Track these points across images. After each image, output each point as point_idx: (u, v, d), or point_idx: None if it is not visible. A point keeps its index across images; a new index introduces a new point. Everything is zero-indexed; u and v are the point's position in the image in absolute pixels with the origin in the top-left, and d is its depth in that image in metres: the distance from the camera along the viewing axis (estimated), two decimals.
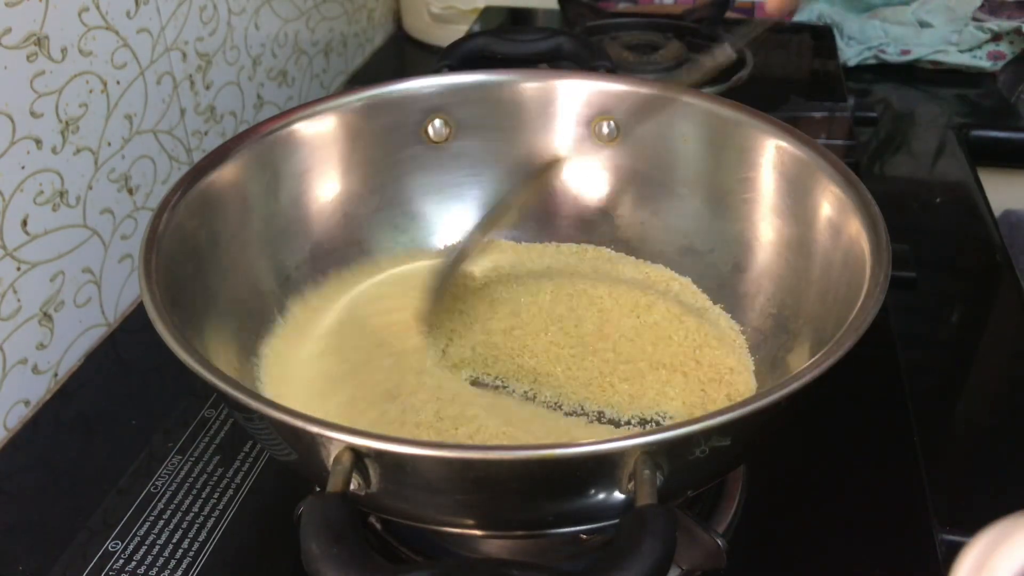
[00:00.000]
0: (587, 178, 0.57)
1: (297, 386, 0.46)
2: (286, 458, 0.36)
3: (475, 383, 0.48)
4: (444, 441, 0.42)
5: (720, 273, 0.52)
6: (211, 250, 0.46)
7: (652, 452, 0.31)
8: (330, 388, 0.46)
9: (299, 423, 0.31)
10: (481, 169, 0.57)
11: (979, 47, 0.94)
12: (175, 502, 0.47)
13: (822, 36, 0.93)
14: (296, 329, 0.50)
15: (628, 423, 0.46)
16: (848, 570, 0.44)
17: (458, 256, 0.49)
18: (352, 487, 0.31)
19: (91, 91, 0.56)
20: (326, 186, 0.54)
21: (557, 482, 0.33)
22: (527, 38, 0.61)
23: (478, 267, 0.54)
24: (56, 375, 0.56)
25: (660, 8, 1.04)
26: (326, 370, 0.48)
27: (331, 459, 0.31)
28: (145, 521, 0.46)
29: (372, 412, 0.45)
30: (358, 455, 0.31)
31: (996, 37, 0.94)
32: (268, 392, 0.45)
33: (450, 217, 0.57)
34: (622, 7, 1.04)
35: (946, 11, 0.94)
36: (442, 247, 0.57)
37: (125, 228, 0.61)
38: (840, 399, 0.48)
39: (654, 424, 0.45)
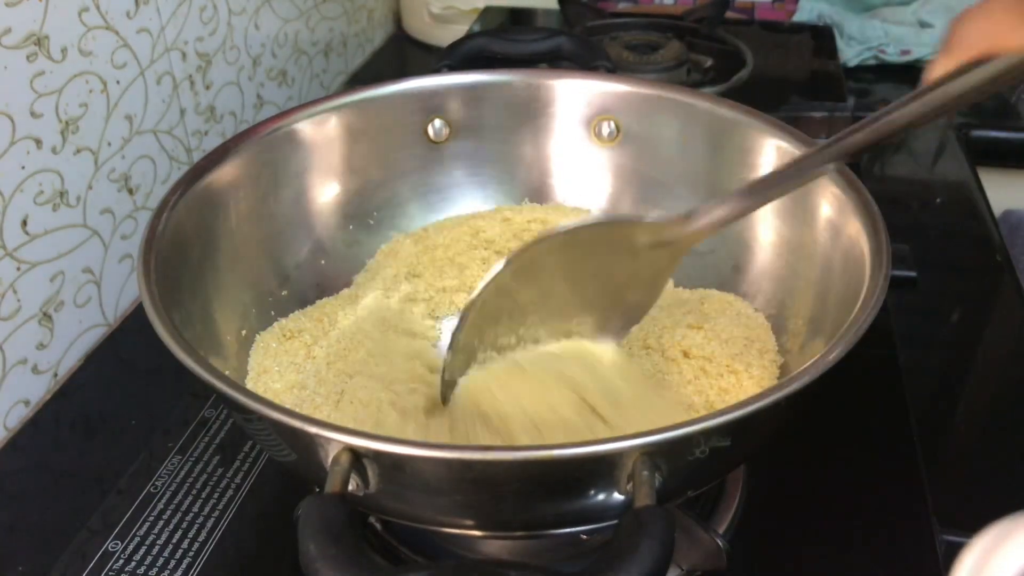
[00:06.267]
0: (587, 178, 0.57)
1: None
2: (285, 459, 0.36)
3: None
4: (443, 442, 0.42)
5: (720, 273, 0.52)
6: (211, 250, 0.46)
7: (651, 453, 0.31)
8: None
9: (297, 423, 0.31)
10: (481, 169, 0.57)
11: None
12: (175, 502, 0.47)
13: (822, 36, 0.93)
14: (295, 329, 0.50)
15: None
16: (848, 570, 0.44)
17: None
18: (351, 487, 0.31)
19: (91, 91, 0.56)
20: (326, 186, 0.54)
21: (556, 483, 0.32)
22: (527, 38, 0.61)
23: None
24: (56, 375, 0.56)
25: (660, 8, 1.04)
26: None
27: (329, 459, 0.31)
28: (145, 521, 0.46)
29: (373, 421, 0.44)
30: (356, 455, 0.31)
31: None
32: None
33: None
34: (622, 7, 1.04)
35: (946, 11, 0.94)
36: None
37: (125, 228, 0.61)
38: (840, 399, 0.48)
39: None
